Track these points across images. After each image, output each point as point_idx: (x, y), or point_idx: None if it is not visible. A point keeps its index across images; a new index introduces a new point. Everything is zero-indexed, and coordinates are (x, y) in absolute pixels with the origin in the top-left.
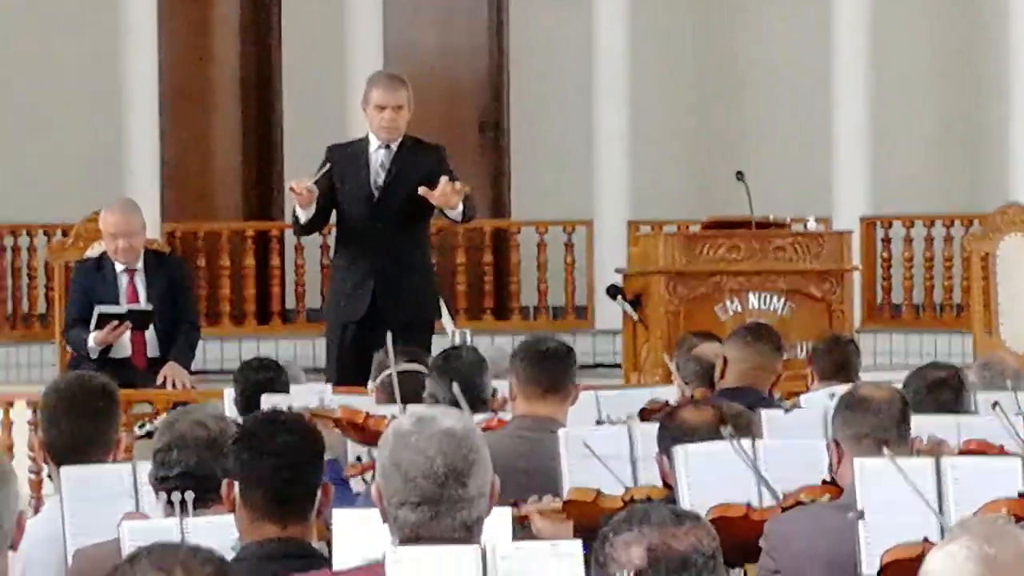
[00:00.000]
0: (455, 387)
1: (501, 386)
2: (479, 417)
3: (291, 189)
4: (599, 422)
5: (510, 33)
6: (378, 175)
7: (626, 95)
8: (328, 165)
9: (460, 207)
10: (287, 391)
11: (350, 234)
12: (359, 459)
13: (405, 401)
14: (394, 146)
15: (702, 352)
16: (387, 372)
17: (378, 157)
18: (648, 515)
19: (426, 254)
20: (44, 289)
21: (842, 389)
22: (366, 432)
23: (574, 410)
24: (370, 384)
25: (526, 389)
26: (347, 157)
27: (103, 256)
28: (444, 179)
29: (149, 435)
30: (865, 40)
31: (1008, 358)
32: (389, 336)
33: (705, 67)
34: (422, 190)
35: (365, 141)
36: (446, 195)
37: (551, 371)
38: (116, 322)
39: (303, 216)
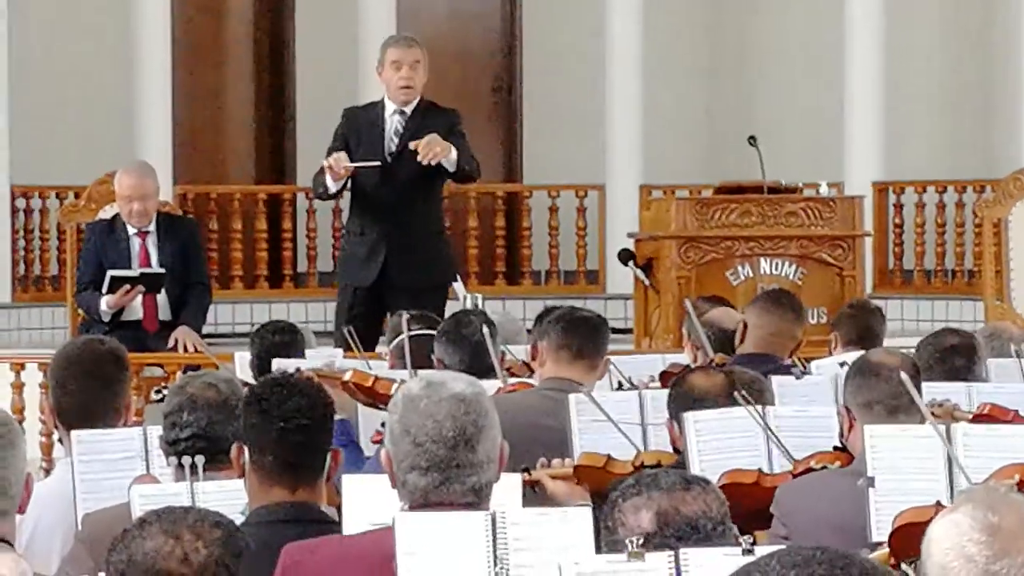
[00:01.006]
0: (488, 340)
1: (513, 351)
2: (495, 383)
3: (330, 167)
4: (620, 385)
5: None
6: (391, 141)
7: (639, 59)
8: (378, 163)
9: (453, 155)
10: (304, 355)
11: (363, 200)
12: (384, 425)
13: (420, 366)
14: (409, 110)
15: (712, 317)
16: (402, 336)
17: (392, 123)
18: (657, 480)
19: (439, 219)
20: (56, 251)
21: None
22: (375, 395)
23: None
24: (382, 348)
25: (556, 353)
26: (362, 121)
27: (115, 218)
28: (428, 138)
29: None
30: (878, 5)
31: (1013, 327)
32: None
33: (718, 31)
34: (412, 144)
35: (381, 105)
36: (430, 144)
37: (583, 338)
38: (128, 286)
39: (334, 188)
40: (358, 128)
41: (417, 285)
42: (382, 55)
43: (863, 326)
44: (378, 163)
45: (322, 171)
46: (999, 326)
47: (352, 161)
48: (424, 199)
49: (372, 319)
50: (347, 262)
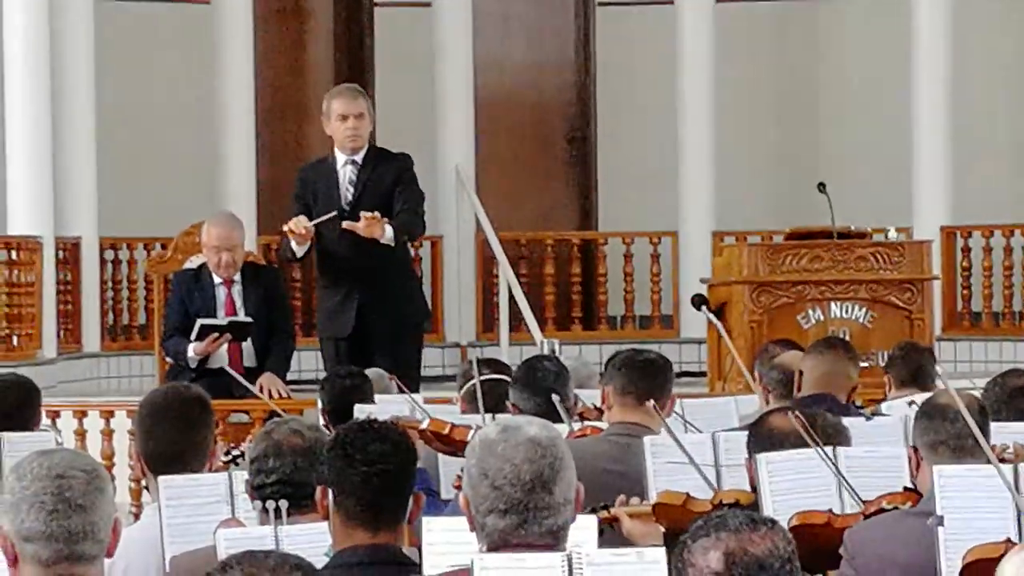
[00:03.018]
0: (554, 395)
1: (584, 396)
2: (575, 426)
3: (290, 231)
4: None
5: (597, 49)
6: (347, 191)
7: (710, 109)
8: (335, 212)
9: (390, 233)
10: (372, 400)
11: (328, 252)
12: (463, 470)
13: (489, 409)
14: (359, 158)
15: (783, 361)
16: (472, 381)
17: (345, 173)
18: (725, 521)
19: (405, 261)
20: (144, 301)
21: (921, 397)
22: (452, 442)
23: None
24: (449, 393)
25: (622, 398)
26: (318, 176)
27: (201, 267)
28: (364, 215)
29: (235, 460)
30: (944, 54)
31: None
32: (475, 358)
33: (787, 81)
34: (347, 224)
35: (332, 158)
36: (370, 228)
37: (648, 381)
38: (217, 334)
39: (300, 251)
40: (314, 184)
41: (394, 329)
42: (327, 106)
43: (915, 366)
44: (334, 213)
45: (286, 236)
46: None
47: (313, 217)
48: (386, 244)
49: (358, 365)
50: (323, 315)
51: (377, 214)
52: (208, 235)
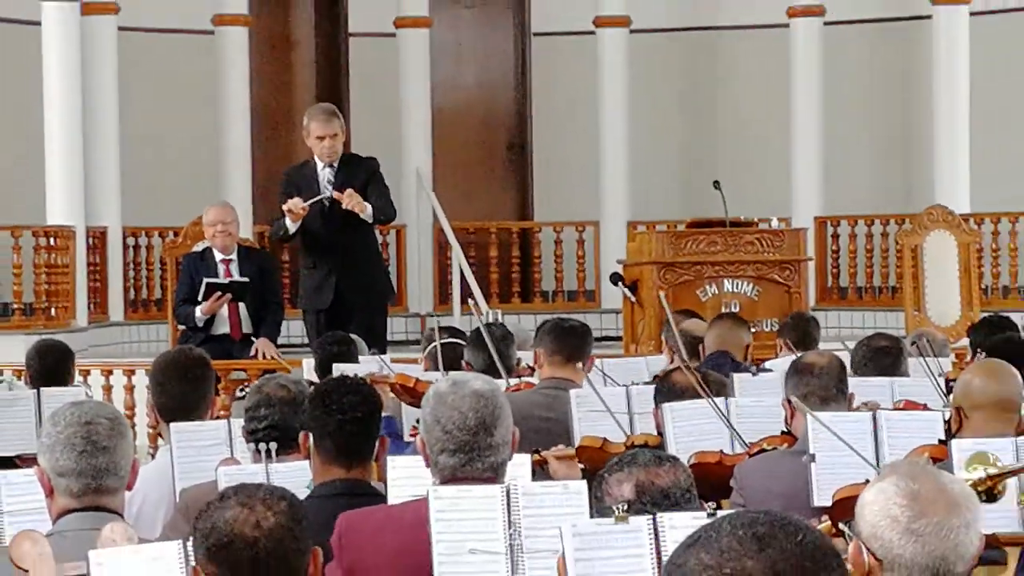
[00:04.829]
0: (493, 354)
1: (524, 356)
2: (512, 381)
3: (289, 211)
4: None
5: (532, 72)
6: (325, 190)
7: (626, 121)
8: (327, 195)
9: (369, 209)
10: (356, 361)
11: (310, 240)
12: (419, 421)
13: (448, 367)
14: (335, 163)
15: (687, 327)
16: (432, 345)
17: (324, 175)
18: (635, 458)
19: (374, 247)
20: (160, 279)
21: None
22: (416, 394)
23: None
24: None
25: (551, 358)
26: (301, 178)
27: (206, 250)
28: (347, 191)
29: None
30: (817, 77)
31: (937, 332)
32: (437, 325)
33: (690, 97)
34: (335, 194)
35: (313, 162)
36: (351, 205)
37: (572, 344)
38: (219, 292)
39: (292, 228)
40: (297, 183)
41: (365, 302)
42: (307, 125)
43: (802, 332)
44: (325, 196)
45: (280, 218)
46: (925, 331)
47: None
48: (359, 230)
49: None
50: (306, 292)
51: (354, 193)
52: (207, 215)
